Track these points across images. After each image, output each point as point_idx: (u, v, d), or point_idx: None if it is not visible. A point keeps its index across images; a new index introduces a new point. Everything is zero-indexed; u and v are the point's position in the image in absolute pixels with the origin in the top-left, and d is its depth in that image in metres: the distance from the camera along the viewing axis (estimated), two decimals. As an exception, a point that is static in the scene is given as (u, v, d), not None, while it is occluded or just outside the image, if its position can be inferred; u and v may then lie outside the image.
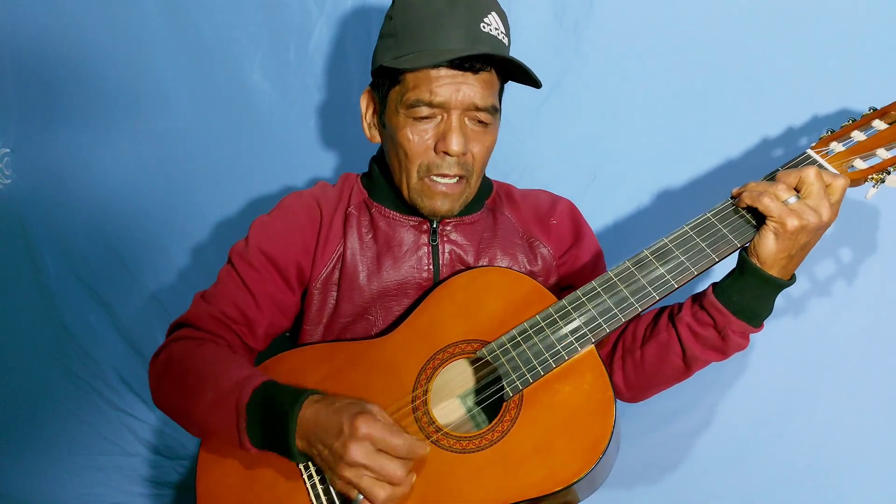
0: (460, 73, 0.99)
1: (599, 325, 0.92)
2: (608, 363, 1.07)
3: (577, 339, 0.92)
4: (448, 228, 1.10)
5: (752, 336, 0.95)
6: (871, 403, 1.15)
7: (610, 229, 1.30)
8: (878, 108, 1.00)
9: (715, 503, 1.21)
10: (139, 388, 1.47)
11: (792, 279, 0.93)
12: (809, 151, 0.97)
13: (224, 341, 1.04)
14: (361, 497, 0.83)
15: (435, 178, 1.03)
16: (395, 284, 1.07)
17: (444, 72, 0.98)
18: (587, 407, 0.89)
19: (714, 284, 0.96)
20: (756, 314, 0.93)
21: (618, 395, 1.08)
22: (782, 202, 0.86)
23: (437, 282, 1.08)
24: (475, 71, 1.00)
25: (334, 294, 1.08)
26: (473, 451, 0.90)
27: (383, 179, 1.12)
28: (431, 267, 1.08)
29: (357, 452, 0.81)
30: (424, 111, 1.00)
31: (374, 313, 1.08)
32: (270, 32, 1.42)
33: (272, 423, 0.88)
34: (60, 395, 1.48)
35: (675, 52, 1.28)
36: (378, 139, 1.11)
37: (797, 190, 0.88)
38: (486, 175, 1.22)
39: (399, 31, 1.02)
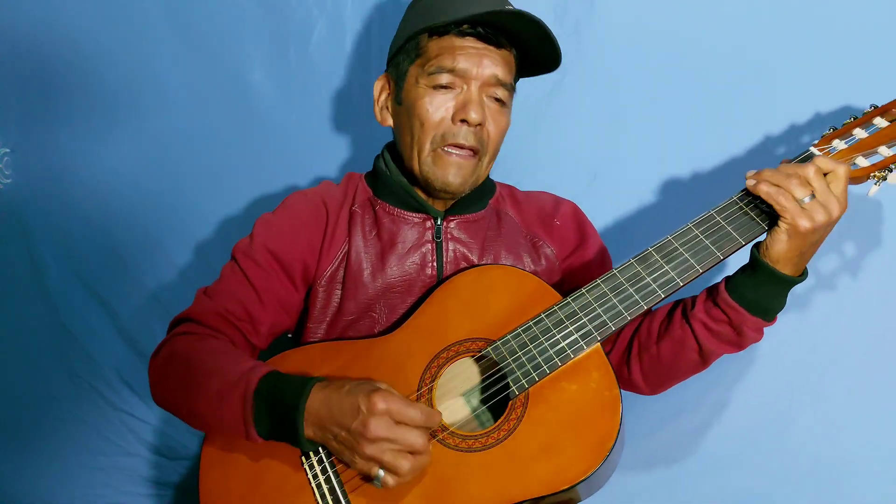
0: (484, 45, 1.01)
1: (605, 324, 0.92)
2: (625, 359, 1.07)
3: (582, 338, 0.92)
4: (452, 226, 1.10)
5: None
6: (876, 400, 1.16)
7: (611, 229, 1.30)
8: (879, 105, 1.01)
9: (719, 500, 1.22)
10: (140, 389, 1.47)
11: (804, 274, 0.94)
12: (812, 149, 0.97)
13: (227, 338, 1.03)
14: (383, 474, 0.83)
15: (449, 148, 1.03)
16: (398, 281, 1.07)
17: (468, 42, 1.00)
18: (593, 405, 0.89)
19: (727, 280, 0.96)
20: (770, 309, 0.94)
21: (636, 389, 1.09)
22: (797, 201, 0.86)
23: (440, 279, 1.08)
24: (498, 45, 1.02)
25: (338, 292, 1.08)
26: (479, 450, 0.90)
27: (389, 175, 1.12)
28: (435, 264, 1.08)
29: (378, 427, 0.81)
30: (445, 78, 1.01)
31: (378, 311, 1.07)
32: (271, 31, 1.42)
33: (280, 411, 0.88)
34: (61, 395, 1.47)
35: (676, 52, 1.28)
36: (389, 122, 1.11)
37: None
38: (490, 175, 1.23)
39: (424, 9, 1.04)
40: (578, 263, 1.16)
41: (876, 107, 1.02)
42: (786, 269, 0.90)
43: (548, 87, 1.35)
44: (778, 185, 0.87)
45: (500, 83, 1.02)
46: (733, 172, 1.25)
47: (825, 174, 0.89)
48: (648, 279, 0.93)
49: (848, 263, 1.18)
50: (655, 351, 1.03)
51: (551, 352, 0.92)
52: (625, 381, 1.09)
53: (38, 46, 1.44)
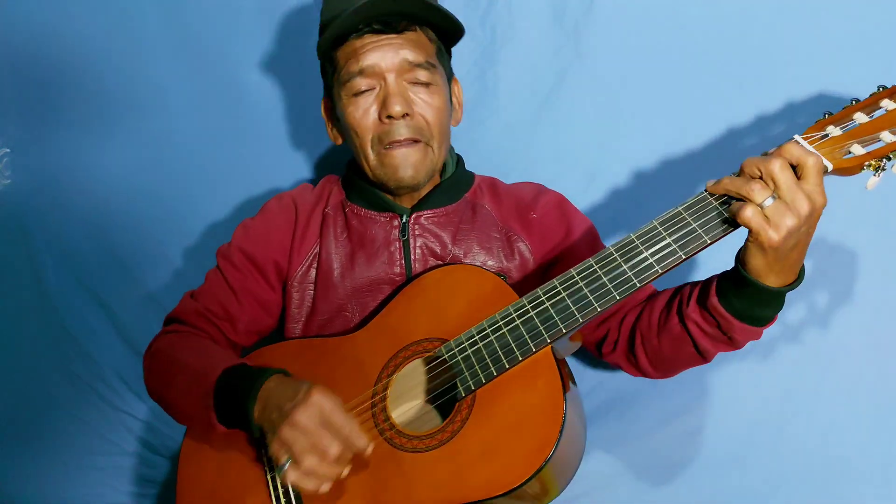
0: (384, 36, 1.01)
1: (555, 325, 0.88)
2: (631, 347, 1.03)
3: (532, 339, 0.89)
4: (420, 222, 1.10)
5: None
6: (875, 401, 1.10)
7: (609, 229, 1.25)
8: (889, 86, 0.90)
9: (718, 500, 1.16)
10: (138, 388, 1.46)
11: (798, 278, 0.85)
12: (797, 137, 0.87)
13: (207, 335, 1.09)
14: (288, 464, 0.84)
15: (388, 146, 1.03)
16: (367, 281, 1.08)
17: (368, 38, 1.00)
18: (536, 410, 0.85)
19: (718, 283, 0.89)
20: (760, 318, 0.87)
21: (648, 375, 1.06)
22: (759, 208, 0.78)
23: (409, 277, 1.08)
24: (398, 31, 1.01)
25: (311, 292, 1.11)
26: (423, 451, 0.89)
27: (357, 178, 1.13)
28: (403, 262, 1.08)
29: (302, 415, 0.83)
30: (361, 83, 1.02)
31: (351, 310, 1.09)
32: (268, 34, 1.45)
33: (234, 394, 0.92)
34: (59, 395, 1.50)
35: (675, 52, 1.24)
36: (341, 139, 1.14)
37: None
38: (480, 172, 1.21)
39: (322, 20, 1.06)
40: (565, 256, 1.11)
41: (885, 87, 0.90)
42: (770, 280, 0.82)
43: (547, 87, 1.33)
44: (738, 193, 0.80)
45: (415, 66, 1.01)
46: (731, 170, 1.16)
47: (794, 166, 0.80)
48: (605, 279, 0.88)
49: (846, 267, 1.11)
50: (657, 344, 0.99)
51: (500, 353, 0.90)
52: (634, 368, 1.06)
53: (37, 47, 1.48)
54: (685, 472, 1.18)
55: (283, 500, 0.94)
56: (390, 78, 1.01)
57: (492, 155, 1.31)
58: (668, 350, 0.98)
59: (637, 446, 1.22)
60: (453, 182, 1.12)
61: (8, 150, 1.53)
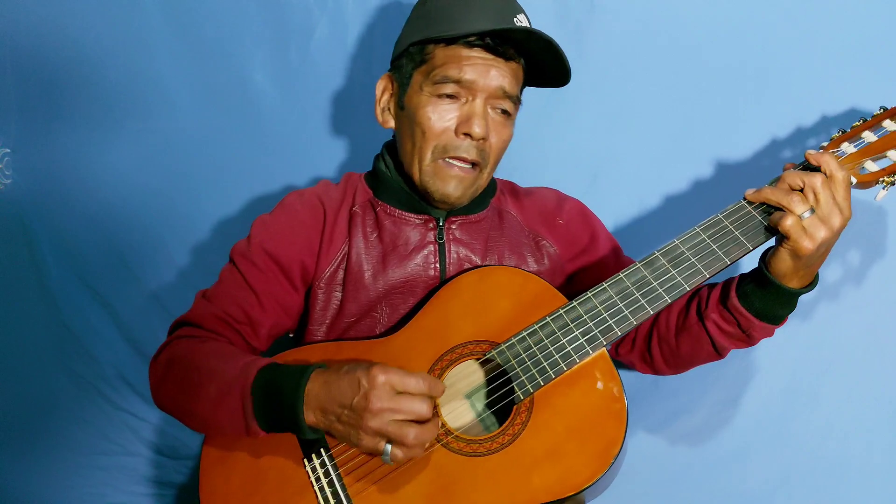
0: (492, 56, 0.99)
1: (611, 329, 0.91)
2: (647, 347, 1.09)
3: (588, 342, 0.91)
4: (454, 227, 1.09)
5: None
6: (874, 404, 1.16)
7: (612, 230, 1.30)
8: (889, 107, 1.00)
9: (718, 501, 1.22)
10: (141, 388, 1.47)
11: (814, 281, 0.94)
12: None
13: (226, 340, 1.02)
14: (390, 448, 0.82)
15: (450, 160, 1.01)
16: (400, 283, 1.06)
17: (476, 52, 0.98)
18: (599, 411, 0.88)
19: (738, 283, 0.97)
20: (778, 316, 0.95)
21: (659, 372, 1.12)
22: (798, 219, 0.86)
23: (443, 280, 1.07)
24: (507, 57, 1.00)
25: (339, 294, 1.06)
26: (484, 455, 0.89)
27: (389, 176, 1.10)
28: (438, 265, 1.07)
29: (380, 399, 0.81)
30: (450, 88, 0.99)
31: (380, 312, 1.06)
32: (272, 32, 1.40)
33: (280, 400, 0.87)
34: (62, 394, 1.47)
35: (677, 53, 1.27)
36: (390, 124, 1.09)
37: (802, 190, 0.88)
38: (491, 175, 1.21)
39: (432, 13, 1.01)
40: (591, 262, 1.15)
41: (885, 109, 1.01)
42: (792, 283, 0.91)
43: (549, 88, 1.33)
44: (779, 203, 0.87)
45: (506, 95, 1.00)
46: (736, 174, 1.25)
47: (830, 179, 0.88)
48: (655, 284, 0.93)
49: (848, 270, 1.18)
50: (674, 343, 1.05)
51: (557, 356, 0.92)
52: (648, 365, 1.12)
53: (38, 46, 1.43)
54: (685, 471, 1.24)
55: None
56: (480, 98, 0.99)
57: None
58: (686, 349, 1.04)
59: (637, 446, 1.26)
60: (483, 189, 1.11)
61: (8, 150, 1.45)
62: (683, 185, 1.29)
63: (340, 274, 1.06)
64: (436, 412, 0.92)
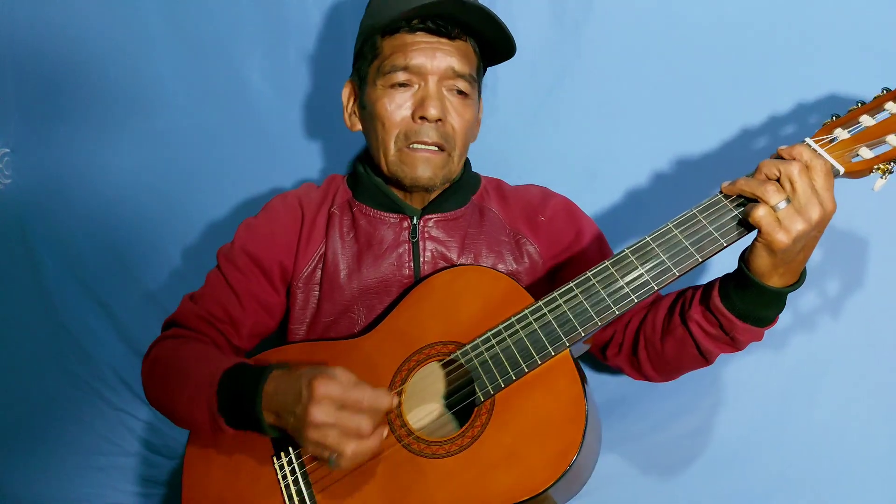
0: (436, 38, 1.00)
1: (573, 329, 0.88)
2: (634, 351, 1.05)
3: (550, 343, 0.89)
4: (430, 225, 1.08)
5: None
6: (870, 405, 1.12)
7: (609, 228, 1.25)
8: (893, 88, 0.92)
9: (718, 502, 1.18)
10: (138, 388, 1.45)
11: (800, 279, 0.87)
12: (808, 140, 0.89)
13: (209, 339, 1.06)
14: (334, 458, 0.83)
15: (414, 146, 1.02)
16: (375, 283, 1.06)
17: (420, 37, 0.99)
18: (558, 414, 0.86)
19: (721, 283, 0.91)
20: (762, 318, 0.89)
21: (650, 379, 1.07)
22: (772, 210, 0.79)
23: (417, 279, 1.06)
24: (451, 37, 1.00)
25: (316, 293, 1.08)
26: (443, 457, 0.88)
27: (366, 176, 1.11)
28: (412, 264, 1.07)
29: (318, 413, 0.81)
30: (401, 76, 1.00)
31: (357, 312, 1.07)
32: (269, 32, 1.42)
33: (240, 399, 0.89)
34: (59, 395, 1.49)
35: (675, 52, 1.24)
36: (358, 127, 1.11)
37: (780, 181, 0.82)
38: (481, 172, 1.20)
39: (374, 7, 1.04)
40: (575, 259, 1.12)
41: (889, 90, 0.92)
42: (772, 281, 0.84)
43: (546, 86, 1.32)
44: (752, 193, 0.81)
45: (457, 75, 1.01)
46: (732, 171, 1.17)
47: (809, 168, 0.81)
48: (622, 282, 0.89)
49: (846, 270, 1.13)
50: (660, 347, 1.00)
51: (518, 357, 0.90)
52: (637, 371, 1.08)
53: (37, 46, 1.46)
54: (685, 472, 1.20)
55: (297, 505, 0.92)
56: (432, 81, 1.00)
57: (491, 154, 1.29)
58: (671, 352, 0.99)
59: (637, 446, 1.24)
60: (462, 185, 1.11)
61: (8, 150, 1.50)
62: (681, 182, 1.25)
63: (318, 274, 1.08)
64: (392, 414, 0.92)
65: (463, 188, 1.11)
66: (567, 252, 1.11)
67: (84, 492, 1.43)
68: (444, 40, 1.00)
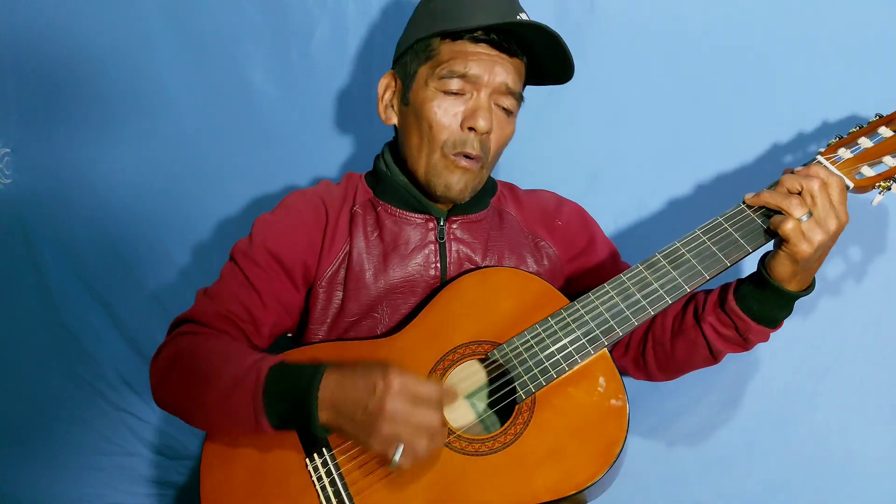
0: (497, 52, 1.00)
1: (612, 329, 0.92)
2: (641, 351, 1.09)
3: (590, 343, 0.92)
4: (454, 226, 1.09)
5: None
6: (875, 404, 1.17)
7: (611, 230, 1.31)
8: (885, 114, 1.02)
9: (719, 501, 1.23)
10: (140, 388, 1.46)
11: (812, 285, 0.96)
12: (820, 158, 0.98)
13: (229, 337, 1.02)
14: (399, 454, 0.81)
15: (457, 157, 1.02)
16: (401, 283, 1.06)
17: (481, 48, 1.00)
18: (600, 411, 0.89)
19: (736, 287, 0.98)
20: (775, 319, 0.96)
21: (652, 378, 1.12)
22: (798, 223, 0.87)
23: (444, 280, 1.07)
24: (511, 53, 1.01)
25: (340, 293, 1.07)
26: (486, 454, 0.89)
27: (390, 176, 1.10)
28: (438, 264, 1.07)
29: (396, 405, 0.80)
30: (455, 84, 1.00)
31: (381, 312, 1.06)
32: (272, 32, 1.41)
33: (293, 397, 0.87)
34: (61, 394, 1.46)
35: (677, 53, 1.28)
36: (393, 120, 1.09)
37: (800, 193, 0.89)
38: (490, 175, 1.22)
39: (438, 11, 1.03)
40: (588, 265, 1.16)
41: (881, 116, 1.02)
42: (791, 286, 0.92)
43: (548, 87, 1.33)
44: (778, 206, 0.89)
45: (509, 91, 1.02)
46: (734, 175, 1.26)
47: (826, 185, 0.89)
48: (656, 285, 0.93)
49: (850, 269, 1.19)
50: (670, 348, 1.05)
51: (558, 356, 0.92)
52: (641, 370, 1.12)
53: (38, 46, 1.43)
54: (687, 471, 1.24)
55: (335, 505, 0.90)
56: (484, 93, 1.00)
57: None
58: (681, 353, 1.05)
59: (639, 446, 1.27)
60: (483, 188, 1.12)
61: (8, 150, 1.46)
62: (683, 185, 1.30)
63: (342, 274, 1.06)
64: None
65: (483, 191, 1.13)
66: (582, 257, 1.15)
67: (85, 492, 1.40)
68: (503, 55, 1.00)
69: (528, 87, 1.21)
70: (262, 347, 1.07)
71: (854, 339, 1.19)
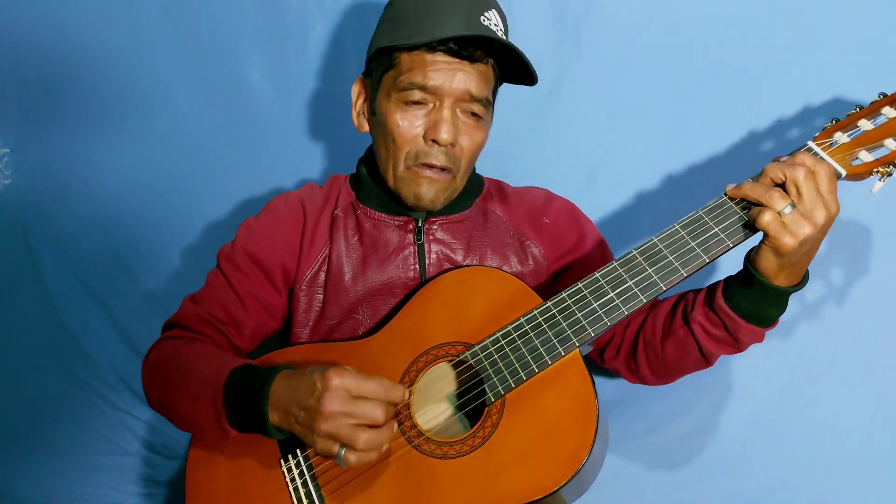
0: (457, 60, 0.97)
1: (583, 329, 0.89)
2: (632, 354, 1.05)
3: (560, 344, 0.89)
4: (434, 227, 1.08)
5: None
6: (874, 401, 1.13)
7: (610, 229, 1.27)
8: (889, 94, 0.94)
9: (718, 501, 1.20)
10: (138, 388, 1.46)
11: (804, 279, 0.90)
12: (811, 144, 0.91)
13: (211, 341, 1.05)
14: (343, 452, 0.81)
15: (420, 168, 1.01)
16: (380, 285, 1.06)
17: (440, 57, 0.97)
18: (569, 414, 0.86)
19: (725, 284, 0.93)
20: (766, 317, 0.91)
21: (646, 382, 1.08)
22: (778, 215, 0.81)
23: (423, 281, 1.06)
24: (472, 60, 0.98)
25: (320, 296, 1.07)
26: (454, 457, 0.89)
27: (370, 179, 1.10)
28: (417, 266, 1.07)
29: (332, 402, 0.80)
30: (417, 95, 0.98)
31: (362, 314, 1.07)
32: (269, 32, 1.41)
33: (246, 400, 0.88)
34: (59, 394, 1.49)
35: (675, 52, 1.25)
36: (366, 128, 1.09)
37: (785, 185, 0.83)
38: (482, 173, 1.20)
39: (398, 16, 1.01)
40: (578, 263, 1.12)
41: (885, 95, 0.95)
42: (779, 281, 0.86)
43: (547, 86, 1.33)
44: (757, 199, 0.83)
45: (473, 99, 0.99)
46: (733, 172, 1.19)
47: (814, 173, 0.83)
48: (630, 283, 0.90)
49: (848, 265, 1.14)
50: (660, 350, 1.01)
51: (528, 358, 0.90)
52: (633, 374, 1.08)
53: (37, 46, 1.45)
54: (685, 472, 1.21)
55: (307, 508, 0.92)
56: (447, 102, 0.98)
57: (491, 155, 1.28)
58: (671, 355, 1.00)
59: (637, 446, 1.25)
60: (466, 188, 1.10)
61: (8, 150, 1.49)
62: (682, 183, 1.26)
63: (322, 276, 1.07)
64: (402, 415, 0.92)
65: (467, 191, 1.11)
66: (570, 255, 1.12)
67: (84, 492, 1.42)
68: (464, 62, 0.97)
69: (527, 86, 1.19)
70: (245, 350, 1.10)
71: (853, 339, 1.14)
